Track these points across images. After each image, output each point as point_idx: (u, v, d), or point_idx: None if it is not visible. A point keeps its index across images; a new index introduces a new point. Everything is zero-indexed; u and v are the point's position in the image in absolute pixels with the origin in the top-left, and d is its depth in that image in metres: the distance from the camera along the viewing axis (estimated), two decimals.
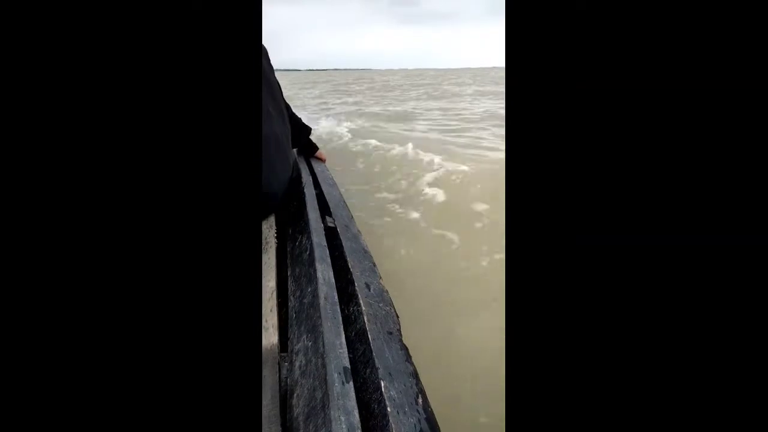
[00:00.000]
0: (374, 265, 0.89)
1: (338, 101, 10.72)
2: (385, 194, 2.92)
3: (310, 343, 0.66)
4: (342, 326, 0.65)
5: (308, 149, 1.70)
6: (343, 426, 0.48)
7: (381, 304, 0.74)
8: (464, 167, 3.11)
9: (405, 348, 0.63)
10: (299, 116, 1.62)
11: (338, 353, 0.59)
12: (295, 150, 1.64)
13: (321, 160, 1.69)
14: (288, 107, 1.47)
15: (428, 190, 2.82)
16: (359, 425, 0.49)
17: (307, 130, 1.67)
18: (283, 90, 1.44)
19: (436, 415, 0.52)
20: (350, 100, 11.14)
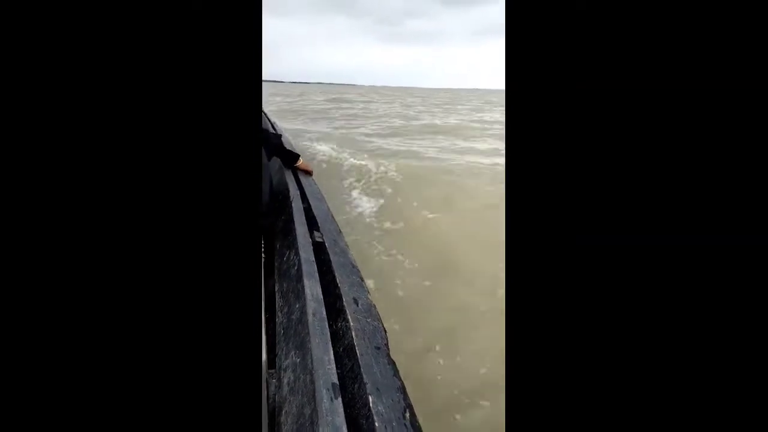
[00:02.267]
0: (362, 279, 0.90)
1: None
2: None
3: (298, 360, 0.66)
4: (330, 342, 0.65)
5: (286, 158, 1.61)
6: None
7: (369, 319, 0.74)
8: None
9: (392, 363, 0.63)
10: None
11: (326, 369, 0.59)
12: (279, 163, 1.60)
13: (308, 172, 1.64)
14: None
15: None
16: None
17: (277, 136, 1.61)
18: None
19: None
20: None
